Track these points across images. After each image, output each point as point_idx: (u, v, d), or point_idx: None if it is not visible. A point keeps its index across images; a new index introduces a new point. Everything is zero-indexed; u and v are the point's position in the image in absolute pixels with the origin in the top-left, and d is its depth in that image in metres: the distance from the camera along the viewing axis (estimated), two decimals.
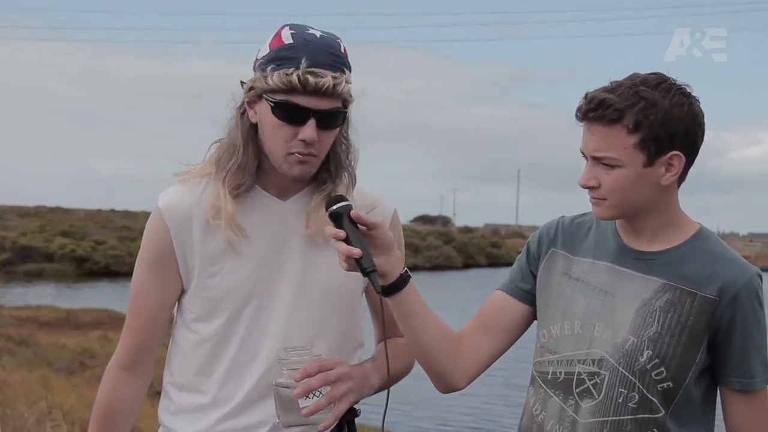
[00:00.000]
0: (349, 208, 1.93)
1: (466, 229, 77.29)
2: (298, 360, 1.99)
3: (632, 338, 1.99)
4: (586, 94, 1.97)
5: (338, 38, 2.05)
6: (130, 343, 2.17)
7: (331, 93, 1.98)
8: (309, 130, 1.99)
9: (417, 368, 2.24)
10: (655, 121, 1.92)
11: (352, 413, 2.11)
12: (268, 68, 1.99)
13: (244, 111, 2.07)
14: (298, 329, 2.09)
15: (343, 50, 2.03)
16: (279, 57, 1.99)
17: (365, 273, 1.91)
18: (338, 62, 2.00)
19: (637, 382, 1.98)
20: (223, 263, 2.08)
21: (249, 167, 2.07)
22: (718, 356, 2.00)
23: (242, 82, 2.07)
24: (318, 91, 1.97)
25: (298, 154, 2.01)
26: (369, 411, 2.26)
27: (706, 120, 2.00)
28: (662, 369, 1.97)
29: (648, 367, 1.97)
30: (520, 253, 2.22)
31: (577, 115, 1.99)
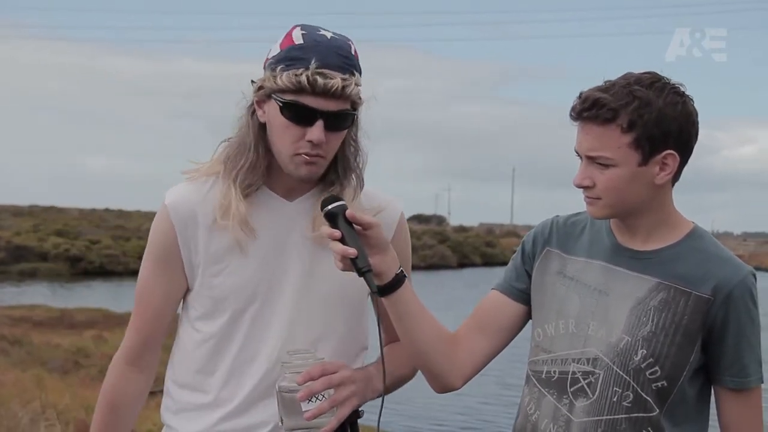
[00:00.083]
0: (344, 207, 1.93)
1: (461, 229, 77.32)
2: (301, 363, 1.99)
3: (626, 337, 1.99)
4: (581, 94, 1.98)
5: (349, 40, 2.05)
6: (134, 338, 2.18)
7: (339, 95, 1.97)
8: (316, 131, 1.98)
9: None
10: (650, 120, 1.92)
11: (355, 414, 2.10)
12: (278, 68, 1.99)
13: (254, 110, 2.07)
14: (301, 330, 2.09)
15: (353, 52, 2.03)
16: (289, 57, 1.99)
17: (360, 273, 1.91)
18: (348, 64, 2.00)
19: (631, 381, 1.98)
20: (228, 262, 2.08)
21: (259, 167, 2.07)
22: (712, 355, 2.00)
23: (253, 81, 2.07)
24: (327, 93, 1.96)
25: (305, 154, 2.01)
26: (365, 410, 2.25)
27: (700, 119, 2.00)
28: (656, 368, 1.97)
29: (642, 366, 1.97)
30: (514, 252, 2.22)
31: (571, 115, 1.99)
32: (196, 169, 2.14)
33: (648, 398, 1.98)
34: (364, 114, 2.09)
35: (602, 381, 1.99)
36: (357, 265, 1.90)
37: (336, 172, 2.10)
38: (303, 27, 2.04)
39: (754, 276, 2.02)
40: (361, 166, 2.13)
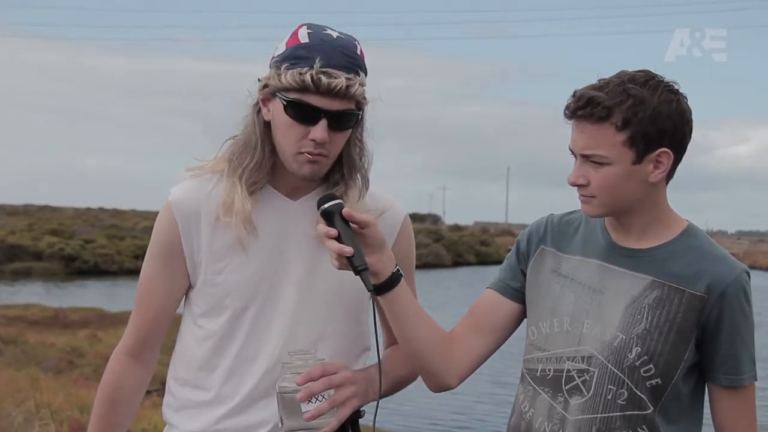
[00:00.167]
0: (340, 206, 1.93)
1: (456, 227, 77.32)
2: (301, 364, 1.98)
3: (621, 335, 1.99)
4: (575, 93, 1.98)
5: (356, 40, 2.05)
6: (136, 331, 2.19)
7: (343, 94, 1.98)
8: (320, 130, 1.99)
9: None
10: (644, 118, 1.93)
11: (356, 414, 2.10)
12: (283, 66, 2.00)
13: (260, 109, 2.07)
14: (302, 330, 2.09)
15: (359, 52, 2.03)
16: (294, 56, 1.99)
17: (356, 271, 1.91)
18: (353, 64, 2.00)
19: (625, 379, 1.98)
20: (230, 260, 2.08)
21: (265, 165, 2.07)
22: (706, 353, 2.01)
23: (259, 80, 2.07)
24: (330, 92, 1.97)
25: (308, 153, 2.01)
26: (365, 411, 2.25)
27: (696, 118, 2.00)
28: (651, 366, 1.98)
29: (637, 364, 1.98)
30: (509, 251, 2.22)
31: (565, 113, 1.99)
32: (200, 167, 2.15)
33: (642, 396, 1.98)
34: (369, 114, 2.09)
35: (597, 379, 2.00)
36: (353, 264, 1.90)
37: (341, 171, 2.10)
38: (309, 26, 2.04)
39: (748, 274, 2.03)
40: (366, 166, 2.13)
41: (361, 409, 2.11)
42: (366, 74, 2.05)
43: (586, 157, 1.97)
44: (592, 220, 2.10)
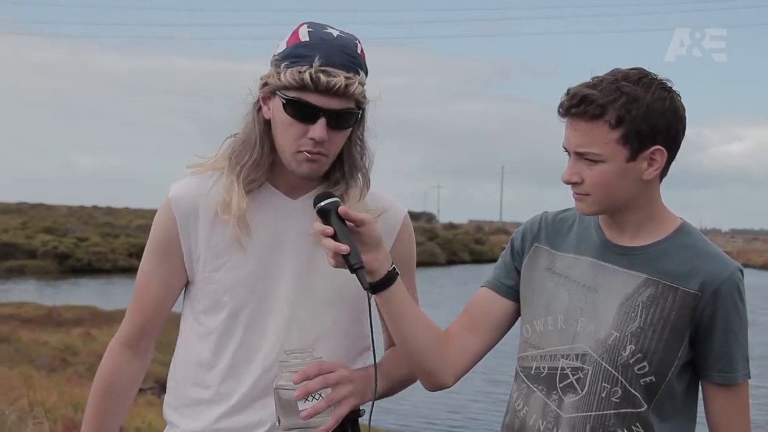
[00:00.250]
0: (336, 204, 1.93)
1: (450, 226, 77.37)
2: (298, 362, 1.98)
3: (615, 333, 1.99)
4: (568, 90, 1.98)
5: (356, 39, 2.05)
6: (131, 324, 2.20)
7: (342, 93, 1.97)
8: (319, 128, 1.99)
9: None
10: (637, 115, 1.93)
11: (355, 413, 2.11)
12: (282, 65, 2.00)
13: (260, 107, 2.07)
14: (300, 329, 2.09)
15: (359, 51, 2.03)
16: (294, 54, 2.00)
17: (352, 269, 1.91)
18: (353, 63, 2.00)
19: (619, 377, 1.98)
20: (228, 257, 2.09)
21: (263, 163, 2.07)
22: (699, 351, 2.01)
23: (260, 78, 2.07)
24: (329, 91, 1.96)
25: (307, 152, 2.01)
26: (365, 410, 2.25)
27: (693, 116, 2.01)
28: (645, 363, 1.98)
29: (631, 361, 1.98)
30: (503, 249, 2.23)
31: (559, 111, 1.99)
32: (201, 164, 2.15)
33: (636, 394, 1.98)
34: (370, 113, 2.09)
35: (591, 377, 2.00)
36: (349, 262, 1.90)
37: (341, 170, 2.10)
38: (310, 24, 2.04)
39: (742, 272, 2.03)
40: (367, 165, 2.13)
41: (361, 408, 2.11)
42: (366, 73, 2.05)
43: (579, 155, 1.97)
44: (586, 217, 2.10)
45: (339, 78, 1.96)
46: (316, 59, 1.96)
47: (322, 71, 1.96)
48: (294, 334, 2.08)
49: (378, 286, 1.99)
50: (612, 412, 1.99)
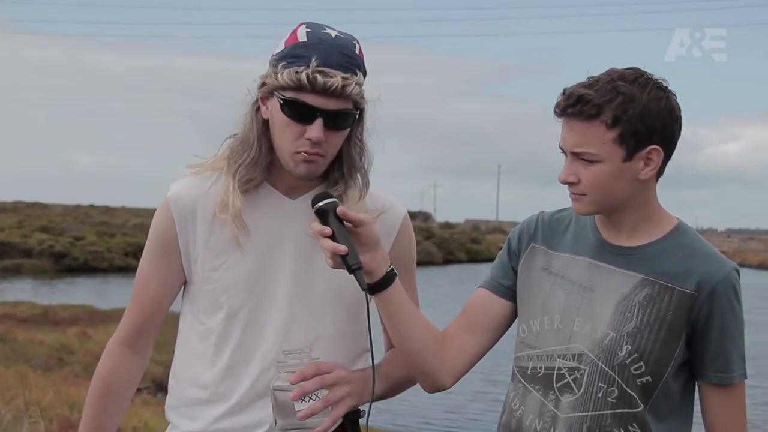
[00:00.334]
0: (335, 204, 1.93)
1: (447, 225, 77.34)
2: (295, 363, 1.98)
3: (611, 333, 1.99)
4: (564, 90, 1.98)
5: (355, 40, 2.05)
6: (131, 323, 2.20)
7: (339, 93, 1.97)
8: (316, 129, 1.98)
9: None
10: (634, 115, 1.93)
11: (355, 414, 2.10)
12: (280, 65, 2.00)
13: (259, 107, 2.07)
14: (298, 330, 2.09)
15: (358, 52, 2.03)
16: (291, 54, 2.00)
17: (350, 270, 1.91)
18: (350, 63, 2.00)
19: (616, 377, 1.98)
20: (226, 257, 2.09)
21: (261, 163, 2.07)
22: (695, 351, 2.01)
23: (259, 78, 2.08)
24: (326, 91, 1.96)
25: (305, 153, 2.01)
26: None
27: (691, 115, 2.01)
28: (641, 363, 1.98)
29: (627, 361, 1.98)
30: (500, 248, 2.23)
31: (555, 111, 1.99)
32: (201, 164, 2.15)
33: (633, 394, 1.98)
34: (369, 113, 2.09)
35: (587, 377, 2.00)
36: (347, 263, 1.90)
37: (340, 170, 2.10)
38: (308, 25, 2.04)
39: (738, 272, 2.03)
40: (366, 166, 2.13)
41: (361, 410, 2.11)
42: (365, 74, 2.04)
43: (576, 155, 1.97)
44: (583, 217, 2.10)
45: (336, 78, 1.96)
46: (313, 59, 1.96)
47: (319, 71, 1.96)
48: (293, 335, 2.08)
49: (376, 287, 1.98)
50: (609, 412, 1.99)
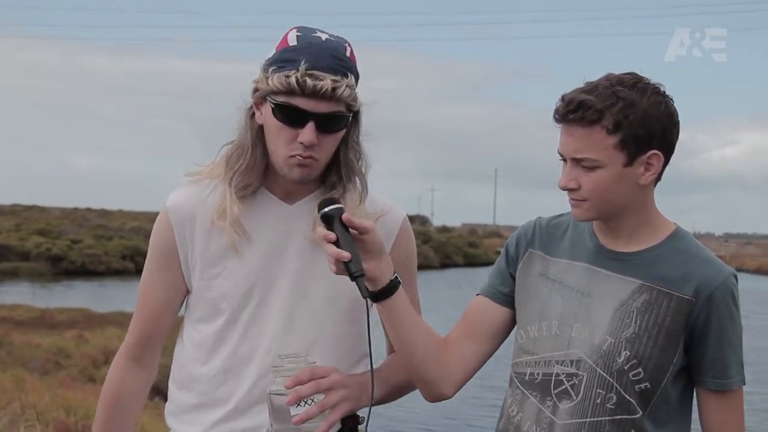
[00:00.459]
0: (341, 211, 1.93)
1: (444, 229, 77.37)
2: (291, 367, 1.97)
3: (610, 339, 1.99)
4: (563, 97, 1.97)
5: (346, 42, 2.05)
6: (136, 335, 2.21)
7: (330, 96, 1.97)
8: (308, 132, 1.98)
9: None
10: (635, 120, 1.93)
11: (354, 420, 2.10)
12: (270, 69, 2.00)
13: (253, 113, 2.07)
14: (297, 334, 2.08)
15: (348, 54, 2.03)
16: (282, 59, 2.00)
17: (352, 277, 1.91)
18: (341, 66, 2.00)
19: (614, 383, 1.98)
20: (225, 264, 2.09)
21: (257, 168, 2.07)
22: (694, 356, 2.00)
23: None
24: (316, 94, 1.96)
25: (299, 156, 2.01)
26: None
27: (691, 117, 2.01)
28: (640, 369, 1.97)
29: (626, 367, 1.97)
30: (497, 252, 2.22)
31: (555, 117, 1.98)
32: (199, 172, 2.16)
33: (631, 400, 1.98)
34: (365, 117, 2.09)
35: (586, 383, 1.99)
36: (350, 270, 1.90)
37: (338, 174, 2.10)
38: (299, 29, 2.04)
39: (736, 277, 2.03)
40: (364, 169, 2.12)
41: (360, 416, 2.10)
42: (357, 76, 2.04)
43: (576, 161, 1.96)
44: (580, 223, 2.10)
45: (325, 81, 1.96)
46: (302, 63, 1.96)
47: (309, 75, 1.96)
48: (291, 339, 2.07)
49: (380, 295, 1.98)
50: (607, 418, 1.98)
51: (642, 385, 1.98)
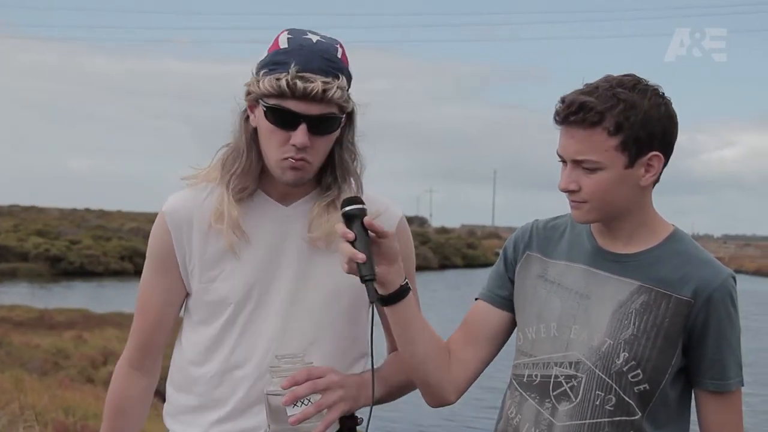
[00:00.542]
0: (364, 212, 1.93)
1: (443, 230, 77.36)
2: (288, 368, 1.97)
3: (609, 340, 1.99)
4: (563, 99, 1.97)
5: (338, 44, 2.05)
6: (136, 342, 2.21)
7: (320, 98, 1.97)
8: (300, 134, 1.98)
9: None
10: (636, 122, 1.93)
11: (352, 420, 2.10)
12: (261, 72, 2.00)
13: (248, 116, 2.07)
14: (294, 335, 2.08)
15: (340, 56, 2.03)
16: (273, 61, 2.00)
17: (362, 280, 1.91)
18: (332, 68, 1.99)
19: (613, 385, 1.98)
20: (223, 267, 2.09)
21: (252, 171, 2.08)
22: (692, 358, 2.00)
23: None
24: (307, 96, 1.96)
25: (291, 159, 2.01)
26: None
27: (691, 118, 2.01)
28: (639, 371, 1.97)
29: (624, 369, 1.97)
30: (496, 254, 2.22)
31: (555, 119, 1.98)
32: (195, 175, 2.16)
33: (630, 401, 1.98)
34: (361, 118, 2.09)
35: (585, 384, 1.99)
36: (361, 271, 1.90)
37: (333, 175, 2.10)
38: (290, 31, 2.04)
39: (734, 279, 2.03)
40: (359, 170, 2.12)
41: (358, 416, 2.10)
42: (349, 77, 2.04)
43: (577, 163, 1.96)
44: (578, 225, 2.10)
45: (316, 83, 1.96)
46: (292, 65, 1.96)
47: (300, 77, 1.96)
48: (288, 340, 2.07)
49: (389, 299, 1.99)
50: (606, 420, 1.98)
51: (641, 387, 1.98)
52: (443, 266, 55.45)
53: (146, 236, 2.24)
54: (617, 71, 2.00)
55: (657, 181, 2.02)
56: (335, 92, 1.98)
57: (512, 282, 2.15)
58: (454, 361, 2.11)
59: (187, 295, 2.16)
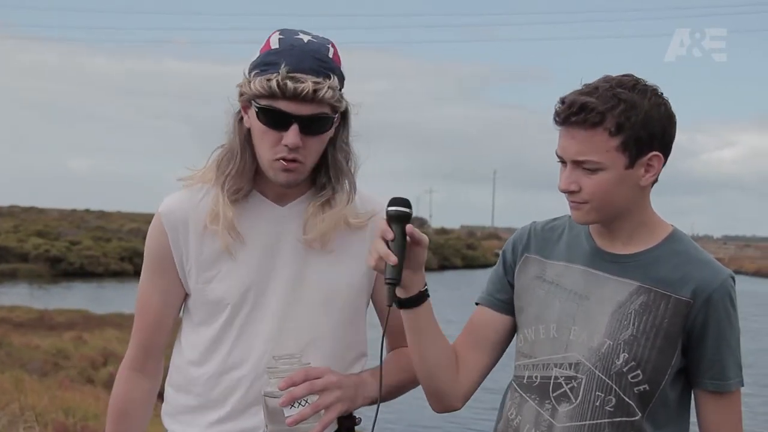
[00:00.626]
0: (408, 216, 1.93)
1: (442, 231, 77.32)
2: (286, 368, 1.97)
3: (608, 341, 1.99)
4: (563, 99, 1.96)
5: (329, 43, 2.05)
6: (136, 344, 2.21)
7: (311, 98, 1.97)
8: (292, 135, 1.98)
9: None
10: (636, 122, 1.93)
11: (351, 421, 2.10)
12: (253, 73, 2.01)
13: (242, 117, 2.08)
14: (291, 335, 2.09)
15: (331, 55, 2.03)
16: (264, 62, 2.00)
17: (386, 282, 1.91)
18: (323, 68, 1.99)
19: (613, 386, 1.98)
20: (219, 268, 2.09)
21: (247, 172, 2.08)
22: (692, 358, 2.00)
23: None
24: (297, 97, 1.96)
25: (283, 160, 2.01)
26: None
27: (687, 116, 2.02)
28: (638, 372, 1.97)
29: (624, 370, 1.97)
30: (496, 255, 2.22)
31: (555, 120, 1.98)
32: (191, 176, 2.16)
33: (630, 402, 1.98)
34: (356, 118, 2.09)
35: (585, 385, 1.99)
36: (387, 273, 1.90)
37: (327, 175, 2.10)
38: (282, 31, 2.04)
39: (733, 279, 2.03)
40: (353, 170, 2.13)
41: (357, 416, 2.10)
42: (341, 77, 2.04)
43: (577, 163, 1.96)
44: (576, 226, 2.10)
45: (306, 84, 1.96)
46: (283, 66, 1.96)
47: (290, 77, 1.96)
48: (285, 341, 2.08)
49: (407, 303, 2.00)
50: (606, 421, 1.98)
51: (641, 387, 1.98)
52: (443, 267, 55.39)
53: (146, 237, 2.24)
54: (617, 71, 2.01)
55: (656, 181, 2.03)
56: (326, 92, 1.98)
57: (512, 285, 2.15)
58: (461, 365, 2.11)
59: (187, 295, 2.16)
